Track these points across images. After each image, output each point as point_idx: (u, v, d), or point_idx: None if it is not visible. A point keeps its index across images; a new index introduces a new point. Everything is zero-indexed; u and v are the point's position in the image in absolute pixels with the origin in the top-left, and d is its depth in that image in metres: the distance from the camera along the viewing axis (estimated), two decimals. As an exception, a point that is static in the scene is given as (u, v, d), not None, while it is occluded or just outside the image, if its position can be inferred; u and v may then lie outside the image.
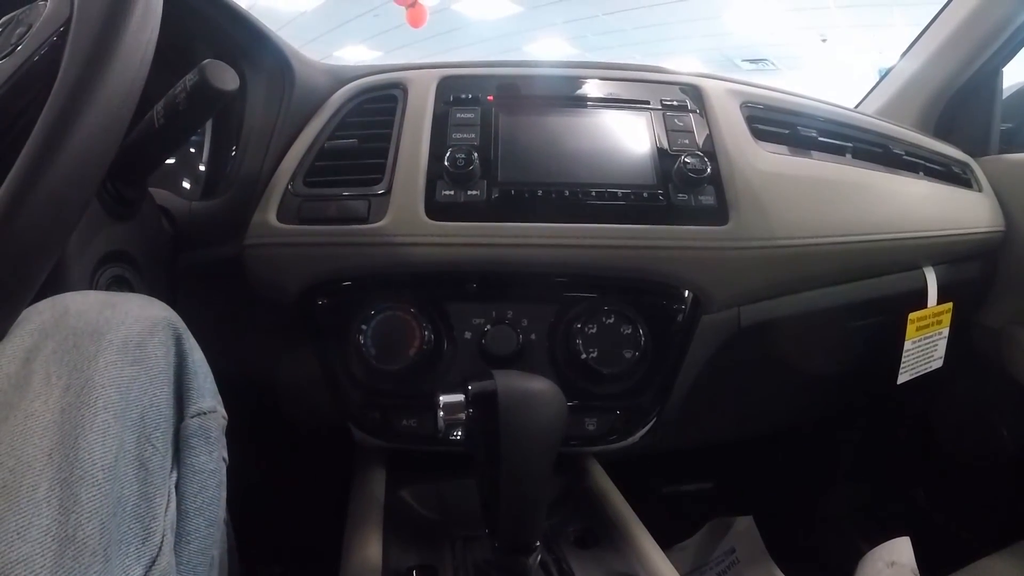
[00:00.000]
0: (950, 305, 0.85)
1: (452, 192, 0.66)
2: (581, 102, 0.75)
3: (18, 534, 0.32)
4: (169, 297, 0.59)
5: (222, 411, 0.46)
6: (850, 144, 0.81)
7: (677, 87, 0.76)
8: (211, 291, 0.70)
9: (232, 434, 0.47)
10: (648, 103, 0.74)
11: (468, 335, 0.67)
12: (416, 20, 6.64)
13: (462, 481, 0.71)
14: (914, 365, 0.85)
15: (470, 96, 0.72)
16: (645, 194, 0.67)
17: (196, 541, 0.42)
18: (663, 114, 0.73)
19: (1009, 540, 0.92)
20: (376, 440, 0.69)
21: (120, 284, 0.56)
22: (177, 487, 0.42)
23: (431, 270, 0.67)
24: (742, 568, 1.11)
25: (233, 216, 0.68)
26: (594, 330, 0.65)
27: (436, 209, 0.66)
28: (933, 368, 0.87)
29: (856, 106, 1.16)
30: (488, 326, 0.66)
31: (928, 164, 0.88)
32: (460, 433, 0.50)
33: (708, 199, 0.68)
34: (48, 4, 0.48)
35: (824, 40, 7.68)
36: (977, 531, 1.06)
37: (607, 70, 0.79)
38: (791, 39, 7.74)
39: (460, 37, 8.40)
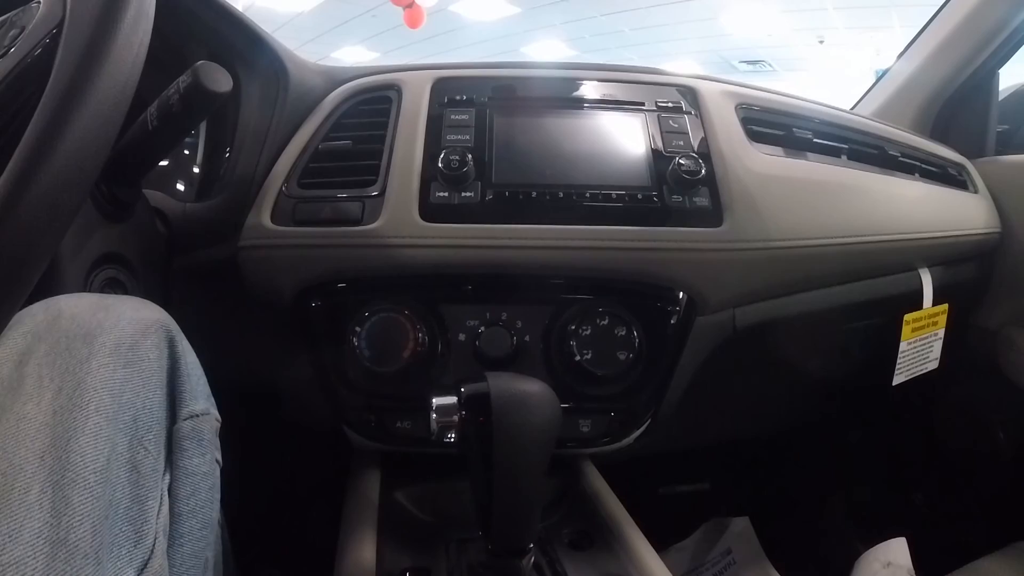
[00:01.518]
0: (945, 306, 0.85)
1: (446, 194, 0.66)
2: (576, 104, 0.75)
3: (10, 537, 0.32)
4: (163, 299, 0.59)
5: (215, 413, 0.46)
6: (846, 146, 0.81)
7: (673, 88, 0.76)
8: (205, 293, 0.70)
9: (227, 436, 0.47)
10: (643, 105, 0.74)
11: (462, 337, 0.66)
12: (413, 21, 6.65)
13: (456, 483, 0.71)
14: (910, 366, 0.85)
15: (465, 97, 0.72)
16: (640, 196, 0.67)
17: (189, 544, 0.42)
18: (658, 116, 0.73)
19: (1005, 541, 0.92)
20: (371, 442, 0.69)
21: (114, 286, 0.56)
22: (170, 490, 0.42)
23: (425, 272, 0.67)
24: (738, 569, 1.11)
25: (227, 218, 0.68)
26: (588, 332, 0.65)
27: (430, 211, 0.66)
28: (929, 369, 0.87)
29: (852, 107, 1.16)
30: (482, 328, 0.66)
31: (924, 166, 0.88)
32: (454, 435, 0.50)
33: (703, 201, 0.67)
34: (41, 6, 0.48)
35: (821, 41, 7.69)
36: (973, 532, 1.06)
37: (603, 71, 0.79)
38: (788, 41, 7.74)
39: (457, 38, 8.40)
